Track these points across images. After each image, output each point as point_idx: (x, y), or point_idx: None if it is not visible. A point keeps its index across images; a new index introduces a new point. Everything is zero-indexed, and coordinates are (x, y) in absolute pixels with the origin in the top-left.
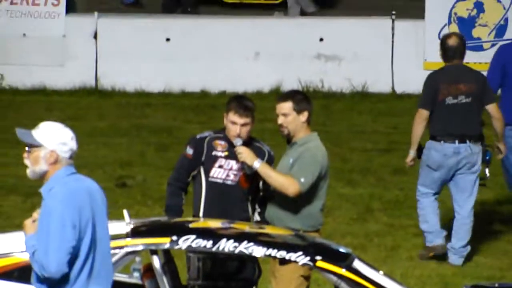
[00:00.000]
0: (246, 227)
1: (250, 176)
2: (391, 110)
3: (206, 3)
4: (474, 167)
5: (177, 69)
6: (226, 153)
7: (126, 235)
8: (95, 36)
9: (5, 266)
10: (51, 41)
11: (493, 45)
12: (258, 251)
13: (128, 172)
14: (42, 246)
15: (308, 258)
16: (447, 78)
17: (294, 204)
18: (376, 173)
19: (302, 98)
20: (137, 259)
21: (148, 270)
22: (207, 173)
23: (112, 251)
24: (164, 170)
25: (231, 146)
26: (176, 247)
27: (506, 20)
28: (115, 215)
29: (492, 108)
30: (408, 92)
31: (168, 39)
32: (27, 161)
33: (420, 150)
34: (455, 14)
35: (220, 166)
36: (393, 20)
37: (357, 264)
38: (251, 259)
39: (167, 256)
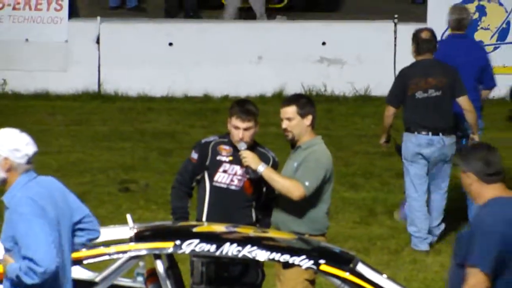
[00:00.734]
0: (249, 231)
1: (255, 182)
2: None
3: (209, 8)
4: (448, 157)
5: (180, 74)
6: (230, 158)
7: (130, 240)
8: (98, 41)
9: None
10: (53, 46)
11: (495, 48)
12: (261, 255)
13: (131, 177)
14: (29, 248)
15: (312, 261)
16: (417, 73)
17: (299, 208)
18: (379, 177)
19: (306, 102)
20: (141, 263)
21: (152, 275)
22: (211, 178)
23: (116, 256)
24: (168, 174)
25: (236, 151)
26: (180, 251)
27: (508, 23)
28: (118, 220)
29: (463, 101)
30: None
31: (171, 44)
32: None
33: (398, 148)
34: None
35: (225, 171)
36: (395, 24)
37: (361, 267)
38: (255, 263)
39: (171, 261)
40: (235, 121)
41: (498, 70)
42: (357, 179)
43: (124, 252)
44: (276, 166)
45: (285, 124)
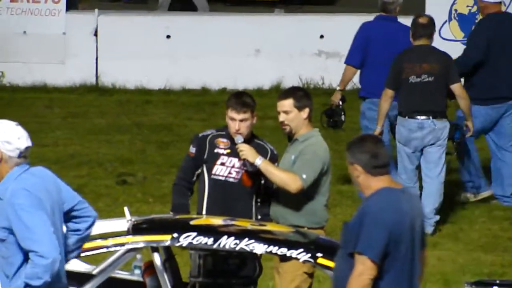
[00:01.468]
0: (247, 224)
1: (253, 174)
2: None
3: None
4: (439, 141)
5: (177, 66)
6: (228, 150)
7: (127, 232)
8: (96, 33)
9: None
10: (51, 38)
11: None
12: (259, 248)
13: (128, 170)
14: (33, 241)
15: (309, 255)
16: (412, 58)
17: (298, 201)
18: None
19: (302, 94)
20: (138, 256)
21: (149, 267)
22: (209, 171)
23: (113, 248)
24: (165, 167)
25: (233, 144)
26: (177, 244)
27: None
28: (116, 213)
29: (456, 88)
30: None
31: (168, 36)
32: None
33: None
34: (456, 10)
35: (222, 164)
36: None
37: None
38: (252, 257)
39: (168, 253)
40: (230, 113)
41: None
42: None
43: (122, 245)
44: (275, 159)
45: (282, 117)
